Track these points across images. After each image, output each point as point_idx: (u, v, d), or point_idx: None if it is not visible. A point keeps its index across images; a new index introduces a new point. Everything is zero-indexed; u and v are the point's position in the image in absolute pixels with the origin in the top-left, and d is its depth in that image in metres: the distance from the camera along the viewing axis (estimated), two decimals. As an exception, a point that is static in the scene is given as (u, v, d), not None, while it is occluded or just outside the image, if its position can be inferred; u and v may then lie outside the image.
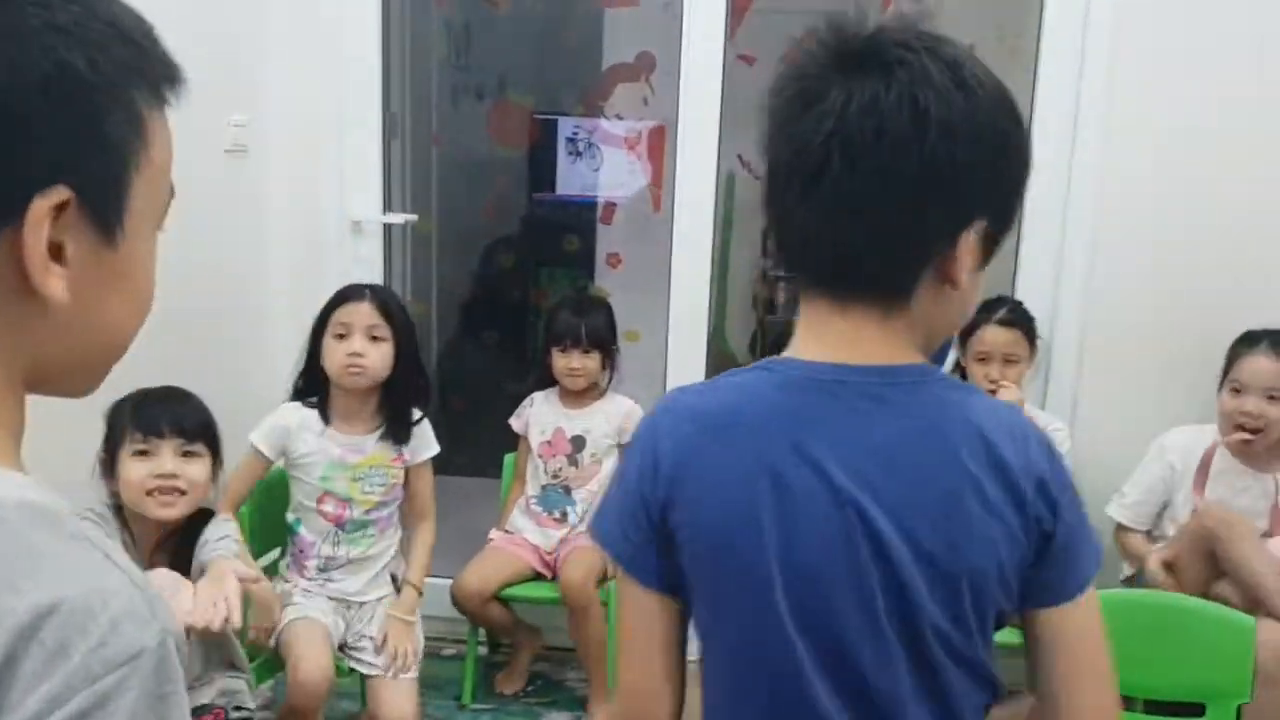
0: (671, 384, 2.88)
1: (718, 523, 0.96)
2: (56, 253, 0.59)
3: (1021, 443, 0.95)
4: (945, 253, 0.93)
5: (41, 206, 0.58)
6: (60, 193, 0.59)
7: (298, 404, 2.27)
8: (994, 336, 2.56)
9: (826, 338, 0.98)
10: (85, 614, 0.54)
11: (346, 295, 2.25)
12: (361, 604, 2.30)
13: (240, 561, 1.77)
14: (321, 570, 2.27)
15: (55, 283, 0.59)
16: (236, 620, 1.66)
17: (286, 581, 2.26)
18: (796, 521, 0.94)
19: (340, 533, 2.26)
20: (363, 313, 2.20)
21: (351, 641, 2.27)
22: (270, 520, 2.34)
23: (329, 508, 2.24)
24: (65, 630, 0.53)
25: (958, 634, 0.98)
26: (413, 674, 2.25)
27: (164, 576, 1.64)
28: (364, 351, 2.17)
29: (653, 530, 0.99)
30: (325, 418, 2.25)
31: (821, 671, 0.96)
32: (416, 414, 2.32)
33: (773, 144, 0.98)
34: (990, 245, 0.96)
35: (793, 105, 0.94)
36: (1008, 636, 2.22)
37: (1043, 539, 0.97)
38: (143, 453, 1.78)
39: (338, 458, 2.24)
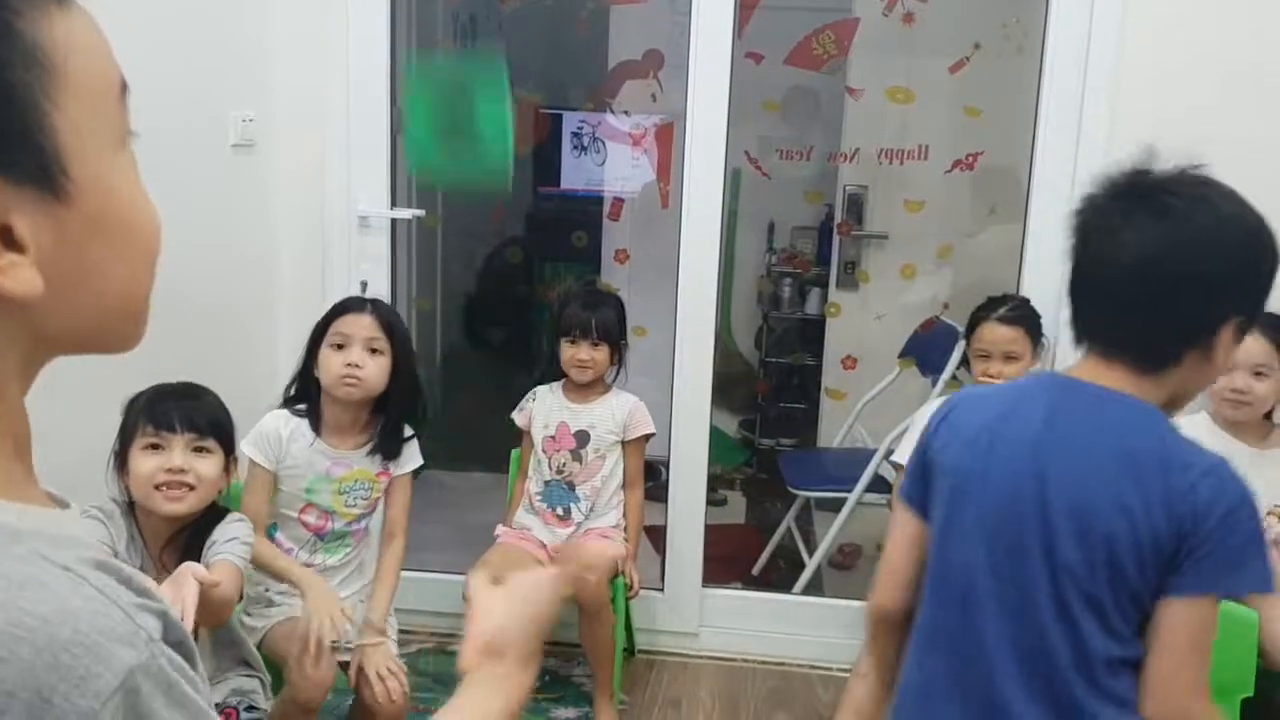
0: (679, 380, 2.89)
1: (956, 458, 1.35)
2: (8, 238, 0.51)
3: (1186, 472, 1.22)
4: (1209, 340, 1.25)
5: None
6: None
7: (286, 412, 2.22)
8: (994, 334, 2.57)
9: (1089, 370, 1.33)
10: (55, 648, 0.46)
11: (347, 306, 2.22)
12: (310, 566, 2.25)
13: (202, 567, 1.71)
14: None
15: (20, 274, 0.51)
16: (189, 624, 1.64)
17: (258, 585, 2.20)
18: (999, 466, 1.30)
19: (319, 541, 2.23)
20: (363, 324, 2.17)
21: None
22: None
23: (311, 518, 2.21)
24: (37, 675, 0.45)
25: (1087, 577, 1.24)
26: (393, 649, 2.19)
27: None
28: (362, 363, 2.14)
29: (922, 464, 1.41)
30: (315, 428, 2.21)
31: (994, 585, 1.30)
32: (408, 431, 2.27)
33: (1080, 249, 1.38)
34: (1243, 330, 1.27)
35: (1098, 230, 1.35)
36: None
37: (1180, 540, 1.21)
38: (154, 446, 1.78)
39: (324, 470, 2.20)
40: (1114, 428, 1.27)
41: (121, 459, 1.81)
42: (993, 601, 1.29)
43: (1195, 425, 2.41)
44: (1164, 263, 1.24)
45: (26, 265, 0.51)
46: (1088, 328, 1.34)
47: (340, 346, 2.16)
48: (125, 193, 0.56)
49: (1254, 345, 2.34)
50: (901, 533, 1.44)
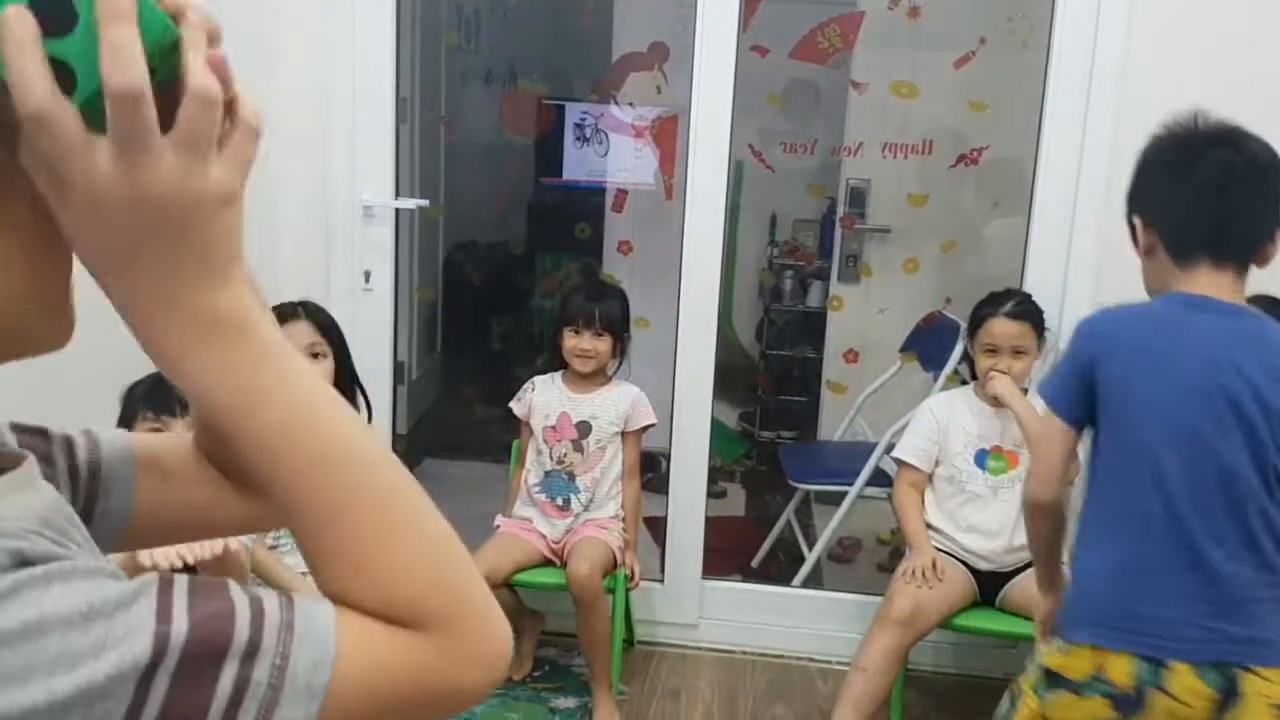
0: (681, 372, 2.89)
1: (1129, 365, 1.64)
2: None
3: None
4: (1267, 242, 1.64)
5: None
6: None
7: None
8: (1002, 329, 2.57)
9: (1205, 286, 1.64)
10: None
11: (281, 316, 2.17)
12: (306, 574, 2.28)
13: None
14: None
15: None
16: (218, 549, 1.68)
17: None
18: (1181, 366, 1.59)
19: (281, 534, 2.26)
20: (301, 332, 2.17)
21: None
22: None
23: None
24: None
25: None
26: None
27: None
28: None
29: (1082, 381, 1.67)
30: None
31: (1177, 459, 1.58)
32: None
33: (1174, 180, 1.71)
34: None
35: (1181, 156, 1.72)
36: (986, 623, 2.22)
37: None
38: (154, 430, 1.79)
39: None
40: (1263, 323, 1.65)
41: None
42: (1189, 478, 1.57)
43: None
44: (1249, 179, 1.63)
45: None
46: (1199, 242, 1.65)
47: None
48: None
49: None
50: (1061, 443, 1.72)
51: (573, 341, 2.68)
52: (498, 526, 2.74)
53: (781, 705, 2.73)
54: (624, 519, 2.73)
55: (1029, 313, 2.59)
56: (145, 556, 1.57)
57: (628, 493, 2.74)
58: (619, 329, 2.71)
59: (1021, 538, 2.54)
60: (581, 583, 2.50)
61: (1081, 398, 1.67)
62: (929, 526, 2.62)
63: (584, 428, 2.71)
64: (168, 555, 1.60)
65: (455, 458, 4.28)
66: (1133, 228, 1.80)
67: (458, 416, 4.74)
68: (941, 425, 2.64)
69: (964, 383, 2.83)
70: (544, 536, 2.69)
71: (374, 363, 2.92)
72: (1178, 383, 1.59)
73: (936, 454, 2.64)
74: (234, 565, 1.77)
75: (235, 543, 1.71)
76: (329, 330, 2.22)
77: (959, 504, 2.60)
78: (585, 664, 2.75)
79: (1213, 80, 2.55)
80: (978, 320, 2.63)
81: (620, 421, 2.72)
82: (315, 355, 2.18)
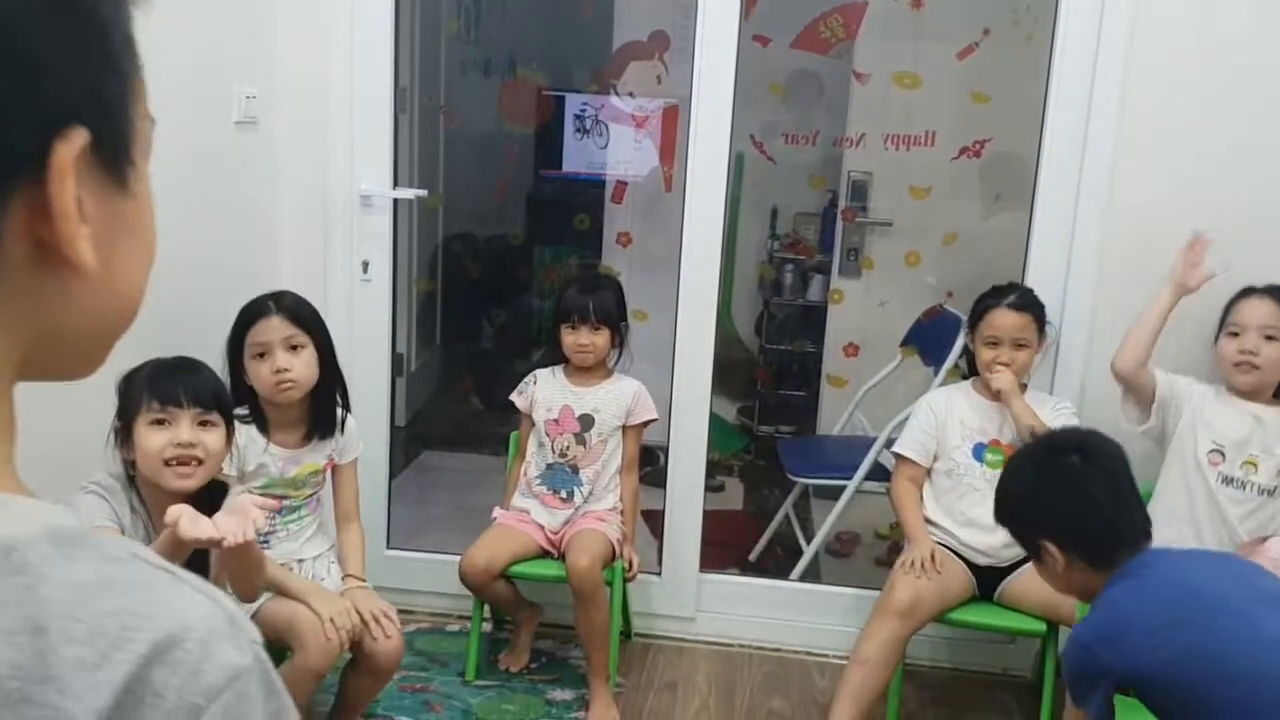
0: (680, 366, 2.88)
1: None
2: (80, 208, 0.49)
3: None
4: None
5: (66, 154, 0.46)
6: (80, 135, 0.47)
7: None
8: (1004, 320, 2.55)
9: None
10: (168, 645, 0.46)
11: (254, 313, 2.19)
12: (300, 561, 2.28)
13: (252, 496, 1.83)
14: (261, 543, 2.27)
15: (86, 246, 0.48)
16: (262, 524, 1.75)
17: None
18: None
19: (276, 516, 2.26)
20: (275, 327, 2.17)
21: None
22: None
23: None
24: (152, 671, 0.45)
25: None
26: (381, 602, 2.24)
27: (182, 509, 1.65)
28: (289, 365, 2.14)
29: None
30: (264, 431, 2.24)
31: None
32: (342, 413, 2.31)
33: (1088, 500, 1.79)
34: None
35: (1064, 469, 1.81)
36: (984, 617, 2.20)
37: None
38: (160, 422, 1.78)
39: (279, 471, 2.25)
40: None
41: (124, 434, 1.80)
42: None
43: (1204, 395, 2.49)
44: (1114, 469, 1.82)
45: (89, 239, 0.48)
46: (1118, 543, 1.75)
47: (262, 355, 2.17)
48: (151, 204, 0.55)
49: (1261, 307, 2.45)
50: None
51: (570, 337, 2.67)
52: (495, 518, 2.73)
53: (779, 699, 2.71)
54: (622, 511, 2.72)
55: (1031, 305, 2.57)
56: (187, 526, 1.61)
57: (626, 486, 2.73)
58: (615, 320, 2.70)
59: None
60: (582, 574, 2.49)
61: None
62: (927, 521, 2.61)
63: (586, 421, 2.70)
64: (204, 530, 1.63)
65: (454, 450, 4.27)
66: (1040, 548, 1.80)
67: (456, 409, 4.72)
68: (940, 419, 2.62)
69: (964, 377, 2.81)
70: (542, 527, 2.68)
71: (372, 354, 2.91)
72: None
73: (935, 449, 2.62)
74: (253, 554, 1.78)
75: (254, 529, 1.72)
76: (306, 321, 2.20)
77: (956, 498, 2.58)
78: (583, 656, 2.74)
79: (1217, 72, 2.54)
80: (979, 312, 2.61)
81: (622, 415, 2.71)
82: (294, 347, 2.17)
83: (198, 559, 1.75)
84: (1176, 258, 2.47)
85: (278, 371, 2.15)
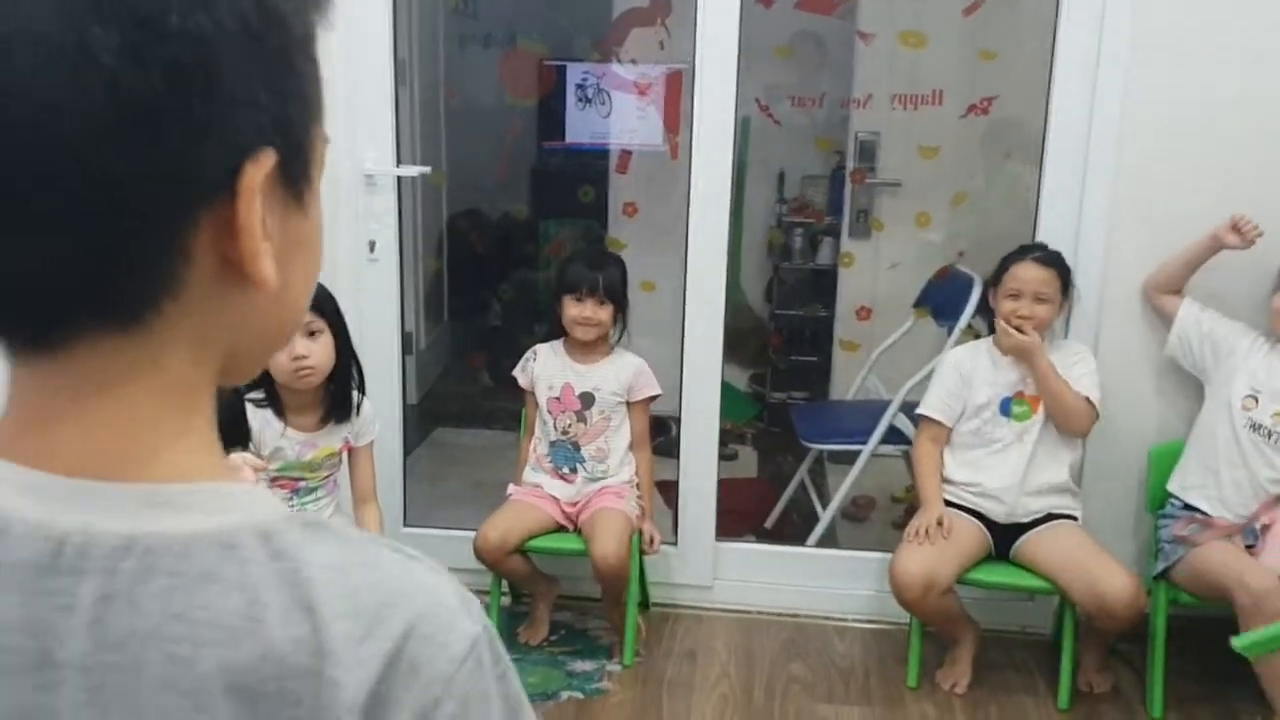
0: (690, 334, 2.86)
1: None
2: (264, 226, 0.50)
3: None
4: None
5: (255, 176, 0.48)
6: (269, 157, 0.49)
7: (249, 405, 2.24)
8: (1027, 273, 2.54)
9: None
10: (420, 620, 0.51)
11: None
12: None
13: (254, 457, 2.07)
14: None
15: (269, 262, 0.49)
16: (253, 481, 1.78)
17: None
18: None
19: (295, 497, 2.26)
20: None
21: None
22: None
23: (284, 485, 2.26)
24: (410, 644, 0.50)
25: None
26: None
27: None
28: (307, 351, 2.14)
29: None
30: (280, 414, 2.24)
31: None
32: (357, 397, 2.32)
33: None
34: None
35: None
36: (998, 576, 2.20)
37: None
38: None
39: (296, 454, 2.25)
40: None
41: None
42: None
43: (1255, 342, 2.48)
44: None
45: (270, 256, 0.50)
46: None
47: None
48: (320, 215, 0.56)
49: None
50: None
51: (575, 310, 2.65)
52: (509, 495, 2.73)
53: (798, 664, 2.72)
54: (639, 485, 2.72)
55: (1057, 261, 2.56)
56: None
57: (639, 462, 2.73)
58: (620, 297, 2.68)
59: (1037, 480, 2.53)
60: (612, 564, 2.51)
61: None
62: (945, 480, 2.61)
63: (587, 399, 2.69)
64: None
65: (466, 426, 4.28)
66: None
67: (467, 385, 4.72)
68: (965, 377, 2.62)
69: (978, 337, 2.80)
70: (556, 500, 2.68)
71: (382, 333, 2.90)
72: None
73: (960, 409, 2.61)
74: None
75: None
76: (323, 306, 2.20)
77: (982, 454, 2.58)
78: (602, 627, 2.76)
79: (1224, 27, 2.50)
80: (1004, 267, 2.59)
81: (623, 392, 2.70)
82: (312, 333, 2.17)
83: None
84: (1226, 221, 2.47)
85: (297, 358, 2.14)
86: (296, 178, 0.52)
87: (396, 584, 0.52)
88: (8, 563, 0.47)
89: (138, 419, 0.50)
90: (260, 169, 0.48)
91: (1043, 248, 2.59)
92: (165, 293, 0.48)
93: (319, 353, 2.17)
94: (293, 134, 0.51)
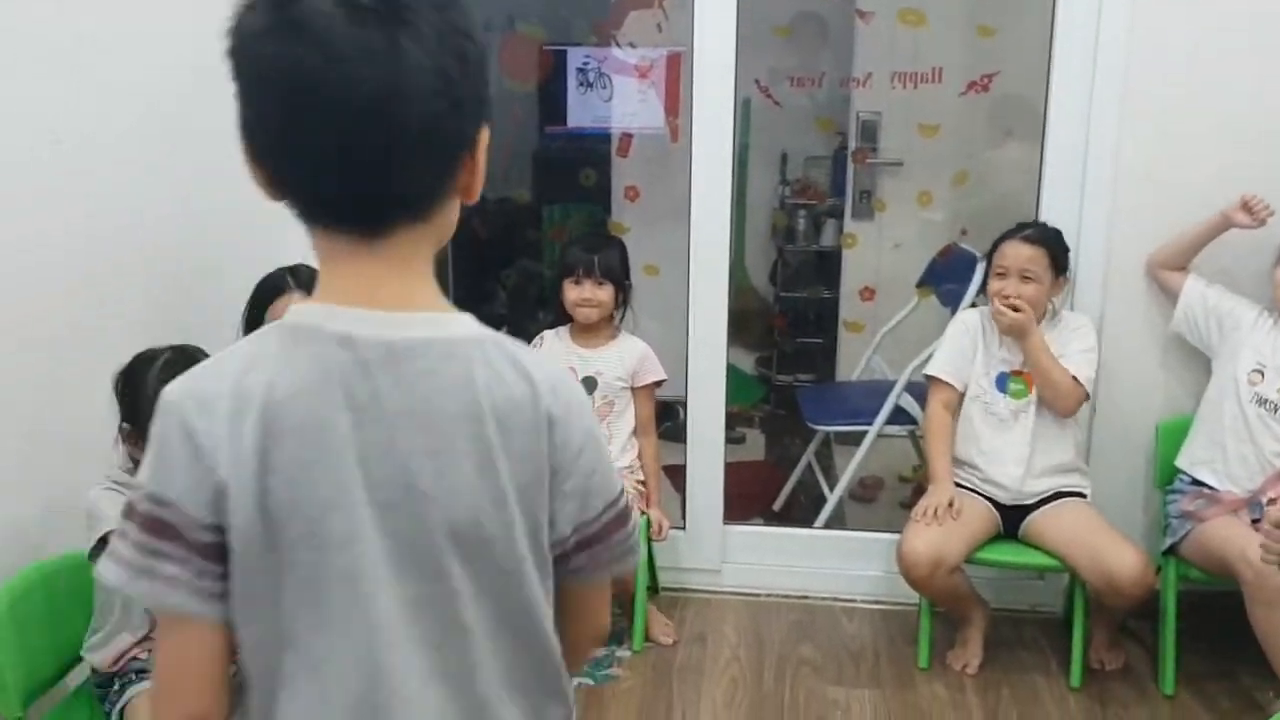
0: (695, 318, 2.86)
1: None
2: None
3: None
4: None
5: (485, 136, 0.87)
6: (488, 124, 0.87)
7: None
8: (1014, 251, 2.53)
9: None
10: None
11: (279, 287, 2.12)
12: None
13: None
14: None
15: (479, 189, 0.88)
16: None
17: None
18: None
19: None
20: (295, 302, 2.14)
21: None
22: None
23: None
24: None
25: None
26: None
27: None
28: (592, 294, 2.22)
29: None
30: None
31: None
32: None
33: None
34: None
35: None
36: (1007, 555, 2.19)
37: None
38: None
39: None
40: None
41: (136, 433, 1.78)
42: None
43: (1262, 316, 2.48)
44: None
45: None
46: None
47: None
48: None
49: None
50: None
51: (574, 292, 2.65)
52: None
53: (808, 646, 2.72)
54: (642, 469, 2.72)
55: (1046, 240, 2.53)
56: None
57: (644, 448, 2.73)
58: (619, 277, 2.68)
59: (1041, 462, 2.53)
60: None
61: None
62: (954, 461, 2.60)
63: (589, 383, 2.68)
64: None
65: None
66: None
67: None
68: (973, 338, 2.61)
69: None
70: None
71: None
72: None
73: (968, 371, 2.60)
74: None
75: None
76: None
77: (981, 426, 2.57)
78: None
79: (1228, 5, 2.47)
80: (995, 245, 2.59)
81: (627, 377, 2.69)
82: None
83: None
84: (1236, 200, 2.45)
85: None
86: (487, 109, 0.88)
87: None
88: (363, 359, 0.83)
89: (418, 275, 0.87)
90: (485, 132, 0.87)
91: (1036, 225, 2.58)
92: (441, 202, 0.87)
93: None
94: (492, 111, 0.87)
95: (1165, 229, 2.55)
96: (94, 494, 1.74)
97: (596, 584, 0.96)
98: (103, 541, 1.67)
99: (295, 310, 0.87)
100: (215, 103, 2.42)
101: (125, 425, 1.79)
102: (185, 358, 1.84)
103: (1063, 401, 2.50)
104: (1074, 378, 2.48)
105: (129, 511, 0.81)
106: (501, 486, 0.85)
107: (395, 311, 0.84)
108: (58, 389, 1.92)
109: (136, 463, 1.82)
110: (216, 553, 0.81)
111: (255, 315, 2.18)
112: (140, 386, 1.78)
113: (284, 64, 0.78)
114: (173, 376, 1.76)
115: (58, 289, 1.94)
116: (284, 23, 0.77)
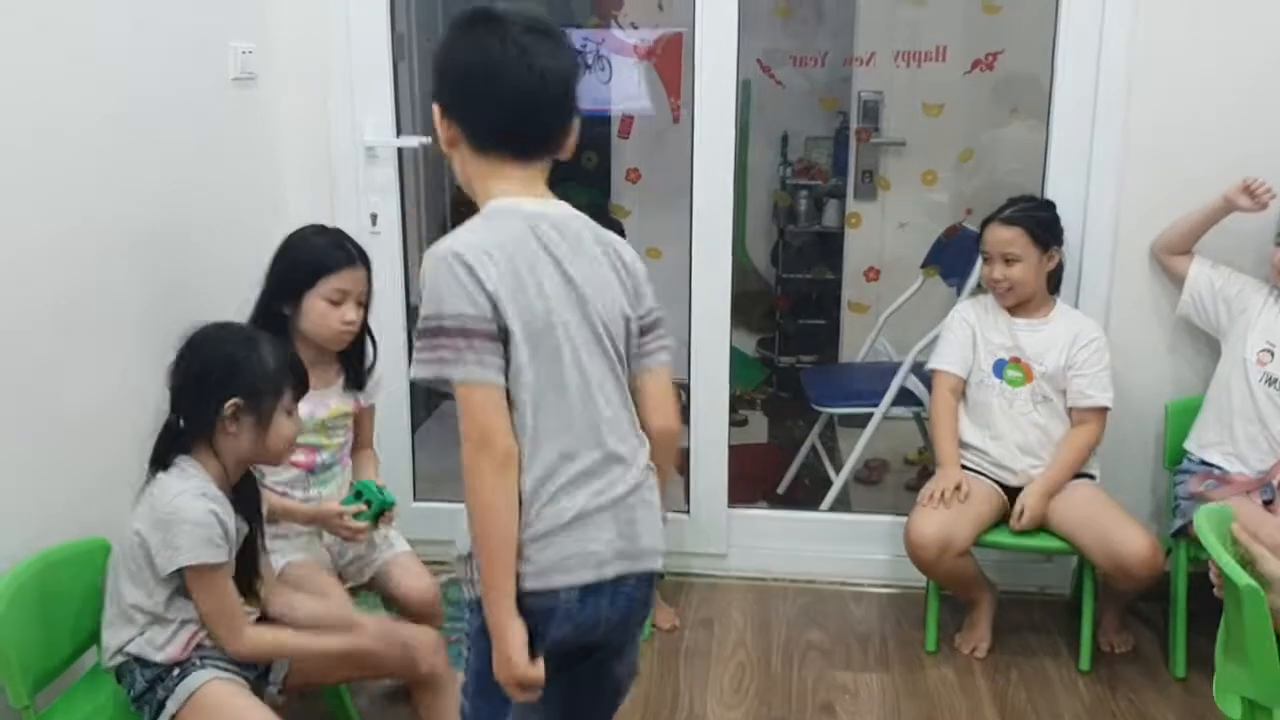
0: (697, 301, 2.84)
1: None
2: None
3: None
4: None
5: (574, 124, 1.42)
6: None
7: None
8: (993, 235, 2.55)
9: None
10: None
11: (343, 260, 2.14)
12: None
13: None
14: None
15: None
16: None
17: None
18: None
19: (311, 477, 2.21)
20: (358, 279, 2.15)
21: (344, 564, 2.25)
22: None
23: (300, 457, 2.18)
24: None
25: None
26: (407, 548, 2.28)
27: None
28: (356, 319, 2.15)
29: None
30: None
31: None
32: (371, 358, 2.31)
33: None
34: None
35: None
36: (1015, 538, 2.15)
37: None
38: (289, 412, 1.85)
39: (309, 413, 2.20)
40: None
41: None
42: None
43: (1269, 296, 2.45)
44: None
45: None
46: None
47: (337, 303, 2.13)
48: None
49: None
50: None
51: None
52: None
53: (815, 630, 2.71)
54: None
55: (1023, 218, 2.52)
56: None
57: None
58: None
59: (1045, 451, 2.52)
60: None
61: None
62: (960, 444, 2.59)
63: None
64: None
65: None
66: None
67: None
68: (972, 329, 2.60)
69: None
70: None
71: (387, 307, 2.87)
72: None
73: (972, 359, 2.59)
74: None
75: None
76: (371, 279, 2.21)
77: (986, 410, 2.56)
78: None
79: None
80: (982, 228, 2.59)
81: None
82: (359, 304, 2.15)
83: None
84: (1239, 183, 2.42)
85: (348, 323, 2.14)
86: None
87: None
88: (544, 223, 1.38)
89: (545, 183, 1.43)
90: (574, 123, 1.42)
91: (1015, 203, 2.57)
92: (561, 145, 1.42)
93: (359, 321, 2.18)
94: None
95: (1174, 209, 2.52)
96: (185, 504, 1.68)
97: (658, 370, 1.48)
98: (178, 573, 1.67)
99: (496, 203, 1.38)
100: (201, 82, 2.38)
101: (239, 401, 1.74)
102: (271, 330, 1.94)
103: (1095, 445, 2.54)
104: (1097, 408, 2.50)
105: (435, 331, 1.28)
106: (626, 287, 1.43)
107: (543, 199, 1.40)
108: (60, 374, 1.90)
109: (226, 451, 1.78)
110: (500, 341, 1.30)
111: (306, 276, 2.14)
112: (252, 363, 1.77)
113: (499, 59, 1.35)
114: (285, 351, 1.87)
115: (57, 277, 1.92)
116: (497, 36, 1.36)
